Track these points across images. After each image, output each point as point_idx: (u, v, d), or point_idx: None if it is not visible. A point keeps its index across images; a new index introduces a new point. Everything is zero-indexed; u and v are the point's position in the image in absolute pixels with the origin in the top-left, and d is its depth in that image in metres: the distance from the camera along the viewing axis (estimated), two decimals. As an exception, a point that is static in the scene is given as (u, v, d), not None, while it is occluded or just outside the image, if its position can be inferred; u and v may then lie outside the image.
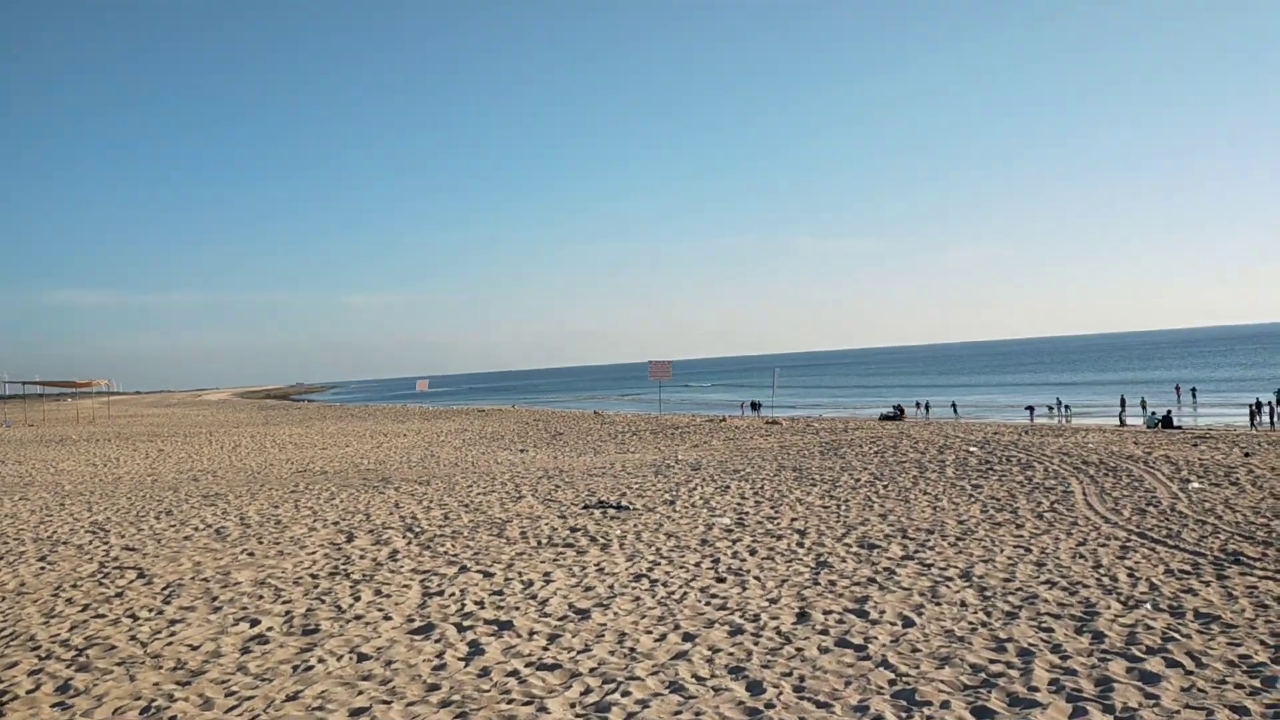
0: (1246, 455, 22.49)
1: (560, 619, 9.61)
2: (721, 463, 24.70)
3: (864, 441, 28.43)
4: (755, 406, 70.34)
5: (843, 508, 16.28)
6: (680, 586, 10.88)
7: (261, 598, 10.95)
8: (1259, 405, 49.44)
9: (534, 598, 10.57)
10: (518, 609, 10.08)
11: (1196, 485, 16.96)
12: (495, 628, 9.36)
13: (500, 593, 10.88)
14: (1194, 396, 68.87)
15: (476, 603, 10.42)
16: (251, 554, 13.69)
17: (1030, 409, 60.43)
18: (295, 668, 8.20)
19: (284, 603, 10.67)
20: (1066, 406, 63.42)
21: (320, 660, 8.38)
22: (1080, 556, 11.75)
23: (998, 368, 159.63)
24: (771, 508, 16.57)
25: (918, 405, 68.63)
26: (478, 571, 12.05)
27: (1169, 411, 46.72)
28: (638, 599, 10.35)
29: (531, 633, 9.14)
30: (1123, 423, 48.09)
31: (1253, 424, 44.88)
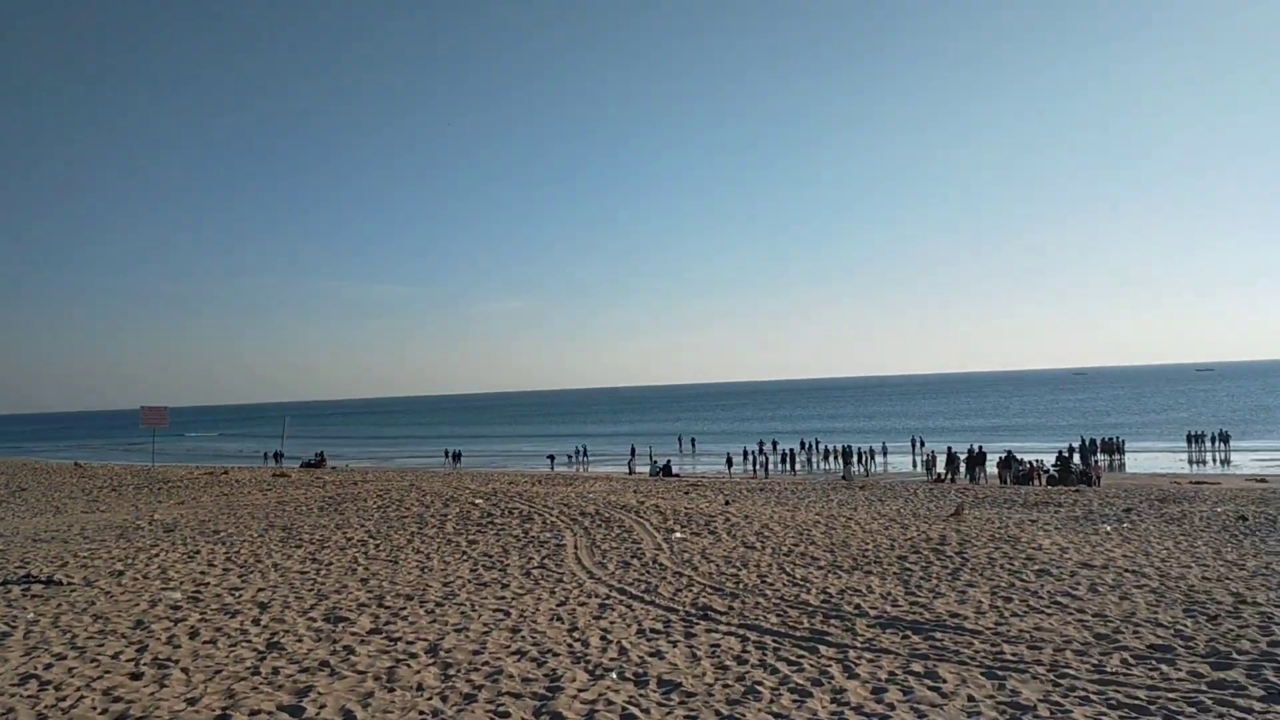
0: (727, 503, 24.08)
1: (-125, 755, 7.02)
2: (203, 522, 21.80)
3: (371, 495, 26.82)
4: (278, 457, 65.85)
5: (323, 573, 14.59)
6: (77, 690, 8.59)
7: None
8: (746, 453, 55.34)
9: None
10: None
11: (679, 535, 17.48)
12: None
13: None
14: (693, 446, 75.42)
15: None
16: None
17: (551, 458, 62.50)
18: None
19: None
20: (585, 454, 66.49)
21: None
22: (558, 619, 11.13)
23: (531, 417, 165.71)
24: (240, 576, 14.44)
25: (447, 454, 68.42)
26: None
27: (668, 460, 50.33)
28: (9, 710, 7.96)
29: None
30: (632, 470, 50.97)
31: (729, 469, 50.03)
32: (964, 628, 10.33)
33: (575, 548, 16.41)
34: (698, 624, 10.78)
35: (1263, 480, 38.44)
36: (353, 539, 18.18)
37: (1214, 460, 53.13)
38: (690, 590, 12.67)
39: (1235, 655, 9.01)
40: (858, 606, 11.48)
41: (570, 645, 9.88)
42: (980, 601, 11.67)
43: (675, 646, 9.76)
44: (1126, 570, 13.77)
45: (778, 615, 11.12)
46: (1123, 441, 56.36)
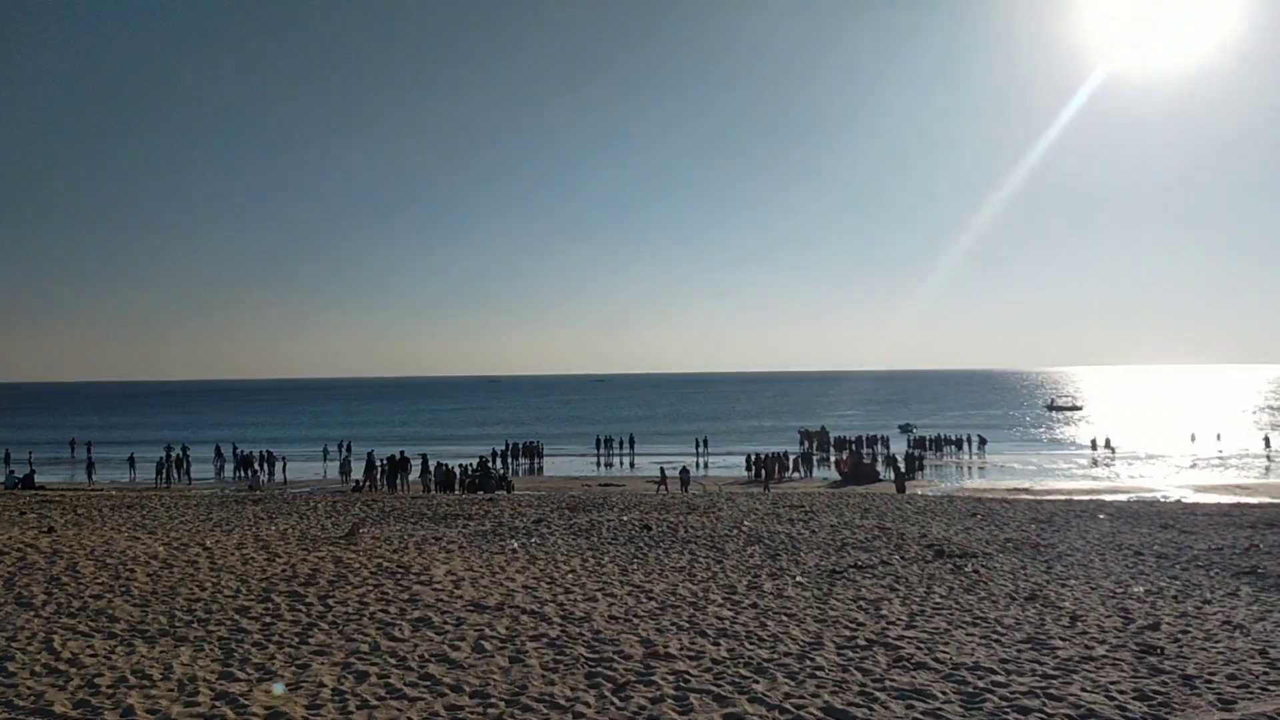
0: (49, 530, 18.31)
1: None
2: None
3: None
4: None
5: None
6: None
7: None
8: (131, 461, 48.56)
9: None
10: None
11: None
12: None
13: None
14: (88, 451, 64.13)
15: None
16: None
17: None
18: None
19: None
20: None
21: None
22: None
23: None
24: None
25: None
26: None
27: (31, 471, 41.35)
28: None
29: None
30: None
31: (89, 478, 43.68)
32: (277, 744, 6.79)
33: None
34: None
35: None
36: None
37: (619, 463, 56.21)
38: None
39: (644, 758, 6.54)
40: (124, 716, 7.38)
41: None
42: (322, 685, 8.20)
43: None
44: (525, 610, 11.28)
45: (-28, 748, 6.69)
46: (542, 445, 57.74)
